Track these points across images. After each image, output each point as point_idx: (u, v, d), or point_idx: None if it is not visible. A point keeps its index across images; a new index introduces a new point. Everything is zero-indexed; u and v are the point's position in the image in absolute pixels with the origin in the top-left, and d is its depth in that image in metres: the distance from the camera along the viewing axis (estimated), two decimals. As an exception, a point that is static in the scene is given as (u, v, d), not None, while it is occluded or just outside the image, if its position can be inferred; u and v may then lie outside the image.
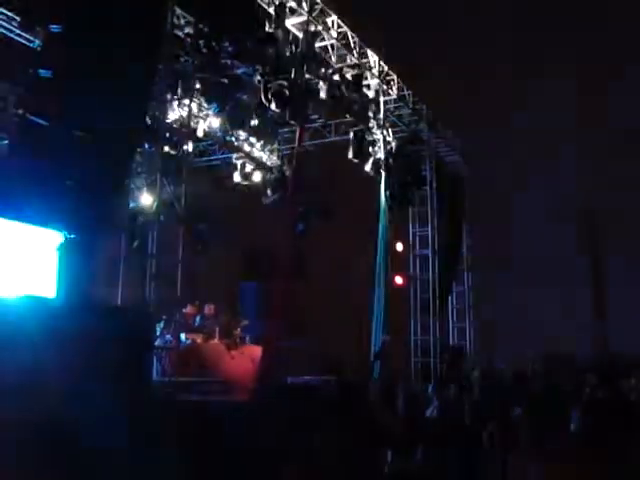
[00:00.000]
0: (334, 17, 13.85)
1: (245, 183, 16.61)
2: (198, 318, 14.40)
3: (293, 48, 12.82)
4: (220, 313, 14.79)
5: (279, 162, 16.98)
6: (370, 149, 16.06)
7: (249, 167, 16.58)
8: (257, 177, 16.64)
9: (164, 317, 12.47)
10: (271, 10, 12.39)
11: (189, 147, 12.19)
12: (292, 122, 14.22)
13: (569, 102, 20.85)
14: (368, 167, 16.09)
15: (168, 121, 11.72)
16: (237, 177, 16.51)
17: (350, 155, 15.54)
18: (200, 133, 14.51)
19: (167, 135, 10.50)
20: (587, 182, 20.42)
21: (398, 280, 18.23)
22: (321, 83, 13.82)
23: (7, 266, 8.79)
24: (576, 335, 19.47)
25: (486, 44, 21.21)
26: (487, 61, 21.12)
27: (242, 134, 16.06)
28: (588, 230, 21.86)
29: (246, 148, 16.57)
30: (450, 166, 19.77)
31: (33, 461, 6.79)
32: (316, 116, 16.34)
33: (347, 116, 15.88)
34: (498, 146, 20.87)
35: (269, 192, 16.54)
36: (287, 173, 16.24)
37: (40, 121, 8.28)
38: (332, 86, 14.09)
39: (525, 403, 9.90)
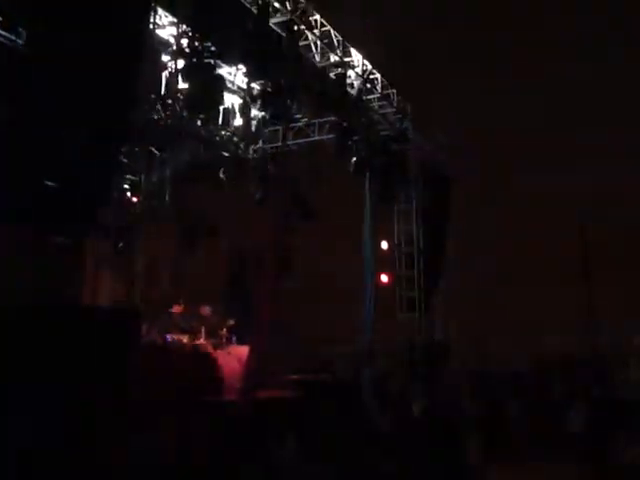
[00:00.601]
0: (317, 16, 13.86)
1: (230, 182, 16.54)
2: (185, 318, 14.38)
3: (276, 47, 12.80)
4: (213, 315, 14.79)
5: (263, 162, 16.96)
6: (354, 148, 16.10)
7: (234, 167, 16.54)
8: (242, 176, 16.55)
9: (150, 317, 12.46)
10: (254, 9, 12.39)
11: (174, 147, 12.20)
12: (276, 121, 14.27)
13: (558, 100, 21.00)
14: (351, 166, 16.12)
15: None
16: (222, 176, 16.46)
17: (333, 154, 15.59)
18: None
19: (152, 135, 10.47)
20: (575, 179, 20.50)
21: (383, 278, 18.28)
22: (304, 82, 13.82)
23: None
24: (566, 333, 19.55)
25: (472, 41, 21.29)
26: (473, 59, 21.20)
27: (227, 134, 16.05)
28: (578, 229, 21.96)
29: (231, 148, 16.56)
30: (435, 164, 19.82)
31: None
32: (300, 115, 16.36)
33: (331, 115, 15.94)
34: (483, 144, 20.93)
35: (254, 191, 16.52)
36: (271, 172, 16.25)
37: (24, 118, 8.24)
38: (316, 85, 14.12)
39: (518, 402, 9.96)
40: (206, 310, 14.76)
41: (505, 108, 21.31)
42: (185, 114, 13.33)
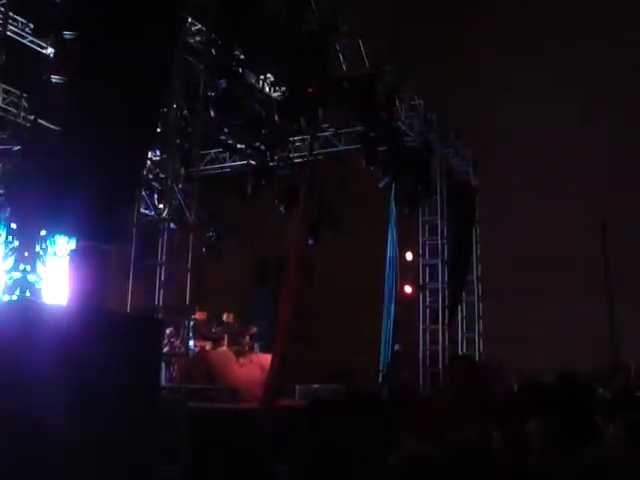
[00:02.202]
0: (346, 26, 13.87)
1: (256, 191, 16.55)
2: (207, 324, 14.44)
3: (305, 56, 12.83)
4: (236, 321, 14.84)
5: (290, 171, 16.96)
6: (381, 158, 16.06)
7: (260, 175, 16.55)
8: (268, 185, 16.53)
9: (172, 324, 12.49)
10: (283, 18, 12.43)
11: (200, 154, 12.24)
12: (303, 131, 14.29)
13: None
14: (379, 175, 16.12)
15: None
16: (248, 185, 16.48)
17: (365, 162, 15.61)
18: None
19: (178, 142, 10.49)
20: (601, 191, 20.30)
21: (407, 289, 18.22)
22: (332, 92, 13.82)
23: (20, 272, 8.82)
24: (588, 348, 19.32)
25: (497, 55, 21.21)
26: (498, 71, 21.11)
27: (253, 142, 16.09)
28: (601, 240, 21.77)
29: (257, 156, 16.59)
30: (460, 176, 19.74)
31: (44, 470, 6.80)
32: (327, 125, 16.36)
33: (358, 125, 15.93)
34: (509, 155, 20.81)
35: (279, 202, 16.50)
36: (298, 182, 16.24)
37: (52, 127, 8.33)
38: (343, 95, 14.11)
39: (541, 416, 9.76)
40: (229, 317, 14.82)
41: (533, 118, 21.21)
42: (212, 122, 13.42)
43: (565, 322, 19.77)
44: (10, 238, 9.76)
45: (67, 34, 8.39)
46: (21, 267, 9.43)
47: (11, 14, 10.37)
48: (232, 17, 11.70)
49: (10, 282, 9.72)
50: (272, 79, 13.99)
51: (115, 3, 8.46)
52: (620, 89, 20.29)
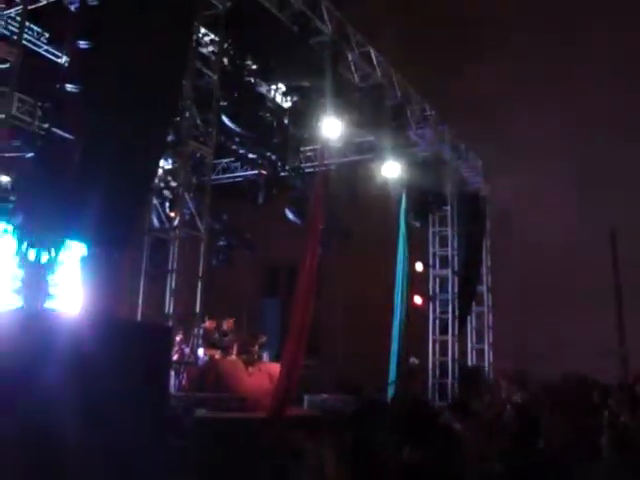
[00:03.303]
0: (358, 36, 13.94)
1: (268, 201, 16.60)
2: (217, 333, 14.45)
3: (316, 66, 12.89)
4: (239, 328, 14.83)
5: (301, 180, 17.00)
6: (392, 169, 16.11)
7: (271, 185, 16.60)
8: (279, 194, 16.56)
9: (182, 332, 12.52)
10: (295, 29, 12.50)
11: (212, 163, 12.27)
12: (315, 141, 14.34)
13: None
14: (389, 186, 16.16)
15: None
16: (260, 194, 16.52)
17: (374, 173, 15.67)
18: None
19: (190, 151, 10.55)
20: (610, 203, 20.23)
21: (417, 300, 18.21)
22: (344, 102, 13.87)
23: (28, 279, 8.87)
24: (598, 361, 19.21)
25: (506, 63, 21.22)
26: (510, 81, 21.10)
27: (264, 152, 16.14)
28: (612, 251, 21.69)
29: (268, 166, 16.64)
30: (471, 186, 19.77)
31: (54, 477, 6.83)
32: (338, 135, 16.40)
33: (370, 136, 16.01)
34: (519, 166, 20.77)
35: (289, 211, 16.54)
36: (309, 192, 16.28)
37: (65, 135, 8.39)
38: (354, 104, 14.16)
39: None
40: (230, 323, 14.84)
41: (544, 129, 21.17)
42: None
43: (576, 332, 19.67)
44: (24, 246, 9.82)
45: (82, 44, 8.46)
46: (33, 274, 9.48)
47: (27, 23, 10.48)
48: (244, 28, 11.77)
49: (22, 289, 9.78)
50: (284, 89, 14.07)
51: (128, 14, 8.53)
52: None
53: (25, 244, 9.55)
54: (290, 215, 16.41)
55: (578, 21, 20.82)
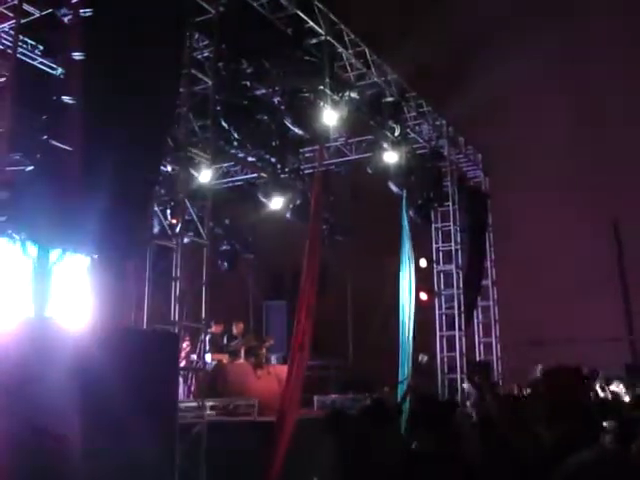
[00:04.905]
0: (352, 36, 13.96)
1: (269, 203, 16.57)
2: (224, 337, 14.47)
3: (310, 67, 12.91)
4: (246, 332, 14.85)
5: (301, 181, 17.01)
6: (391, 167, 16.13)
7: (271, 187, 16.57)
8: (280, 197, 16.52)
9: (188, 338, 12.55)
10: (289, 31, 12.52)
11: (212, 168, 12.28)
12: (313, 141, 14.35)
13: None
14: (390, 183, 16.19)
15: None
16: (260, 198, 16.50)
17: (369, 170, 15.68)
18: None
19: (189, 158, 10.55)
20: (613, 190, 20.22)
21: (422, 296, 18.21)
22: (341, 102, 13.88)
23: (35, 289, 8.89)
24: (606, 351, 19.20)
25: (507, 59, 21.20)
26: (509, 75, 21.09)
27: (263, 155, 16.14)
28: (615, 239, 21.70)
29: (268, 169, 16.65)
30: (472, 181, 19.77)
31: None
32: (337, 135, 16.43)
33: (368, 135, 16.03)
34: (519, 160, 20.78)
35: (291, 212, 16.55)
36: (309, 192, 16.28)
37: (64, 147, 8.41)
38: (352, 104, 14.17)
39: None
40: (239, 327, 14.86)
41: (546, 123, 21.18)
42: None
43: (582, 323, 19.67)
44: (29, 257, 9.87)
45: (76, 55, 8.48)
46: (39, 285, 9.50)
47: (20, 37, 10.50)
48: (238, 31, 11.78)
49: (28, 300, 9.80)
50: (281, 91, 14.08)
51: (121, 24, 8.54)
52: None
53: (29, 255, 9.58)
54: (292, 217, 16.43)
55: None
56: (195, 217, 10.47)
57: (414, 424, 4.84)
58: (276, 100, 14.06)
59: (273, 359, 15.48)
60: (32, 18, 10.50)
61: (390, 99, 15.40)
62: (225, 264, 17.51)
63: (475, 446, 5.27)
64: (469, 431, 6.15)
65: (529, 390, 11.75)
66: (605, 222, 21.27)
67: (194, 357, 12.43)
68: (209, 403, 10.74)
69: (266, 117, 13.90)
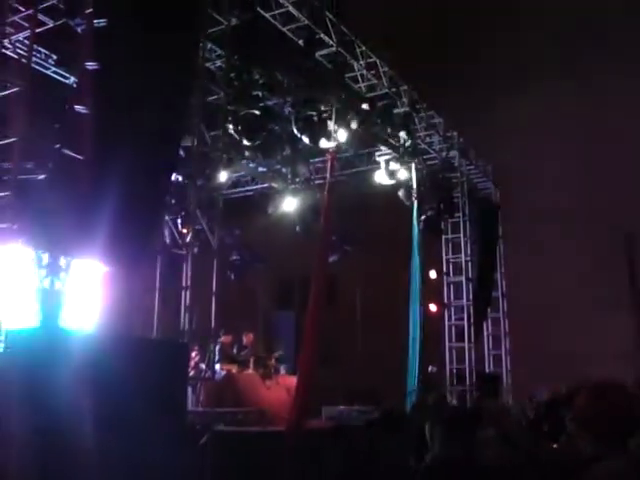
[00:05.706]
0: (363, 47, 14.01)
1: (279, 213, 16.58)
2: (234, 347, 14.47)
3: (323, 79, 12.96)
4: (256, 343, 14.85)
5: (311, 192, 17.02)
6: (402, 178, 16.15)
7: (282, 197, 16.60)
8: (290, 207, 16.52)
9: (198, 348, 12.54)
10: (300, 42, 12.58)
11: (222, 179, 12.32)
12: (324, 152, 14.37)
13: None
14: (401, 194, 16.20)
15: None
16: (271, 208, 16.52)
17: (381, 181, 15.71)
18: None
19: (200, 168, 10.59)
20: (625, 205, 20.12)
21: (432, 308, 18.18)
22: (352, 113, 13.90)
23: (46, 297, 8.91)
24: (617, 365, 19.06)
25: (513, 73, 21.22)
26: (517, 88, 21.09)
27: (274, 165, 16.20)
28: (626, 253, 21.57)
29: (279, 179, 16.70)
30: (482, 192, 19.76)
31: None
32: (347, 145, 16.44)
33: (379, 146, 16.05)
34: (530, 171, 20.72)
35: (301, 224, 16.54)
36: (319, 203, 16.29)
37: (76, 155, 8.45)
38: (362, 116, 14.19)
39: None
40: (249, 337, 14.85)
41: (555, 136, 21.13)
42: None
43: (591, 337, 19.54)
44: (39, 266, 9.90)
45: (89, 65, 8.54)
46: (49, 293, 9.53)
47: (35, 46, 10.58)
48: (250, 43, 11.85)
49: (38, 308, 9.83)
50: (292, 102, 14.12)
51: (135, 34, 8.61)
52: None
53: (40, 264, 9.61)
54: (301, 227, 16.43)
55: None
56: (205, 227, 10.49)
57: (446, 430, 4.82)
58: (287, 110, 14.09)
59: (282, 369, 15.46)
60: (46, 28, 10.57)
61: (401, 110, 15.43)
62: (235, 274, 17.54)
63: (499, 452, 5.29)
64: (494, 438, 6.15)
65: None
66: (618, 236, 21.14)
67: (203, 366, 12.43)
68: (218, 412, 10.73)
69: (277, 127, 13.95)
